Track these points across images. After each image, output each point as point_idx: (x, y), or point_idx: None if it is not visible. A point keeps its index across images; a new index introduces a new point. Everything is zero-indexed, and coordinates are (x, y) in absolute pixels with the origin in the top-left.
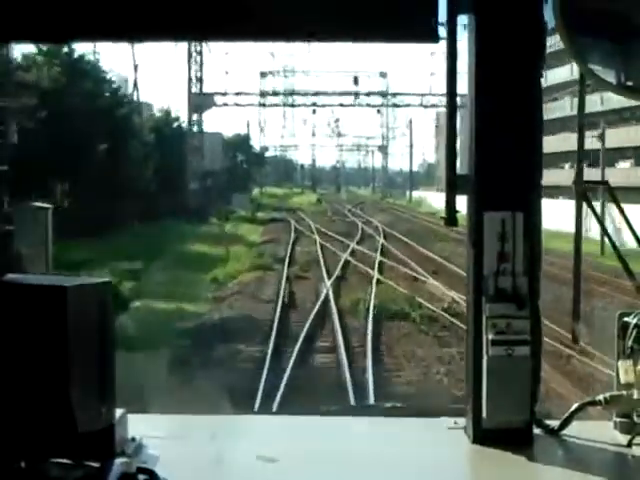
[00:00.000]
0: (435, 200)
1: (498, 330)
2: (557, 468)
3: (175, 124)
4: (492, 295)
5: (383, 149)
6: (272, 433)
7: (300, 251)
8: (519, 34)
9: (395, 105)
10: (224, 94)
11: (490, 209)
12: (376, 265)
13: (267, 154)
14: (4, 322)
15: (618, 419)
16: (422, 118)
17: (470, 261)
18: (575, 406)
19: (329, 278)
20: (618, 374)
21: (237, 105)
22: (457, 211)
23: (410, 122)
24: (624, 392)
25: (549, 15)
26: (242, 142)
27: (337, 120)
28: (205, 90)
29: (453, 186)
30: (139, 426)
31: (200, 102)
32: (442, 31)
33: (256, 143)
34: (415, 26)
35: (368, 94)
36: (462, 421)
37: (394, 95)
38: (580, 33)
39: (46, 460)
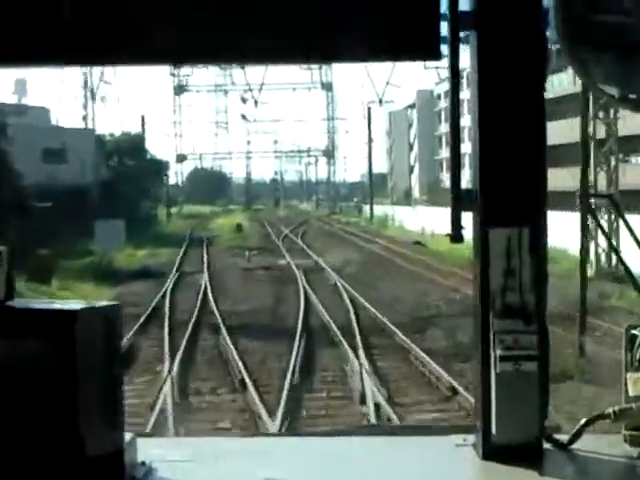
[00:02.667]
0: (409, 219)
1: (506, 346)
2: None
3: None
4: (499, 311)
5: (328, 154)
6: (281, 455)
7: None
8: (521, 49)
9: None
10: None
11: (496, 225)
12: None
13: (201, 165)
14: (12, 347)
15: (628, 432)
16: (362, 124)
17: (476, 277)
18: (584, 420)
19: None
20: (627, 387)
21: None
22: (463, 227)
23: (369, 110)
24: (633, 405)
25: (551, 28)
26: (133, 145)
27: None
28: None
29: (458, 202)
30: (149, 450)
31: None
32: (444, 48)
33: (171, 150)
34: (417, 44)
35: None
36: (471, 438)
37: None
38: (583, 45)
39: None
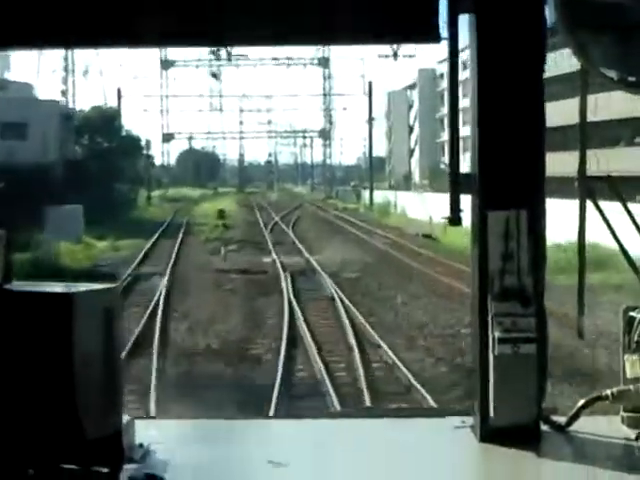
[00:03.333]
0: (412, 206)
1: (504, 328)
2: (566, 464)
3: None
4: (497, 293)
5: (324, 134)
6: (280, 437)
7: None
8: (521, 33)
9: None
10: None
11: (494, 208)
12: None
13: (192, 145)
14: (10, 329)
15: (625, 414)
16: (359, 103)
17: (474, 260)
18: (582, 402)
19: None
20: (625, 368)
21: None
22: (461, 210)
23: (370, 85)
24: (631, 387)
25: (550, 10)
26: (106, 120)
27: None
28: None
29: (457, 185)
30: (147, 432)
31: None
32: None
33: (157, 128)
34: (417, 27)
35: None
36: (469, 420)
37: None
38: (581, 28)
39: (55, 467)
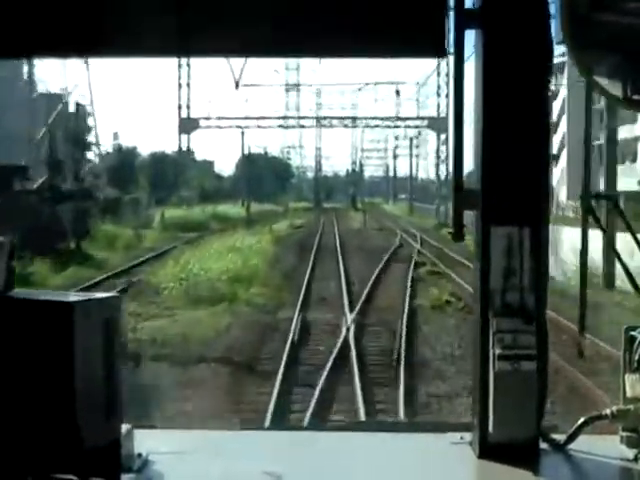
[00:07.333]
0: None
1: (505, 345)
2: None
3: None
4: (499, 310)
5: (437, 124)
6: (277, 449)
7: None
8: (526, 49)
9: None
10: None
11: (497, 224)
12: None
13: (244, 142)
14: (10, 337)
15: (625, 433)
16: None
17: (477, 276)
18: (582, 420)
19: None
20: (625, 388)
21: None
22: (464, 225)
23: None
24: (631, 406)
25: (556, 29)
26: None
27: None
28: None
29: (460, 200)
30: (146, 442)
31: None
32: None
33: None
34: (423, 41)
35: None
36: (468, 436)
37: None
38: (586, 45)
39: (52, 476)
